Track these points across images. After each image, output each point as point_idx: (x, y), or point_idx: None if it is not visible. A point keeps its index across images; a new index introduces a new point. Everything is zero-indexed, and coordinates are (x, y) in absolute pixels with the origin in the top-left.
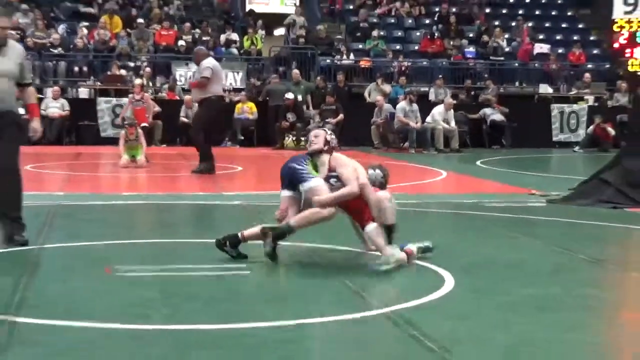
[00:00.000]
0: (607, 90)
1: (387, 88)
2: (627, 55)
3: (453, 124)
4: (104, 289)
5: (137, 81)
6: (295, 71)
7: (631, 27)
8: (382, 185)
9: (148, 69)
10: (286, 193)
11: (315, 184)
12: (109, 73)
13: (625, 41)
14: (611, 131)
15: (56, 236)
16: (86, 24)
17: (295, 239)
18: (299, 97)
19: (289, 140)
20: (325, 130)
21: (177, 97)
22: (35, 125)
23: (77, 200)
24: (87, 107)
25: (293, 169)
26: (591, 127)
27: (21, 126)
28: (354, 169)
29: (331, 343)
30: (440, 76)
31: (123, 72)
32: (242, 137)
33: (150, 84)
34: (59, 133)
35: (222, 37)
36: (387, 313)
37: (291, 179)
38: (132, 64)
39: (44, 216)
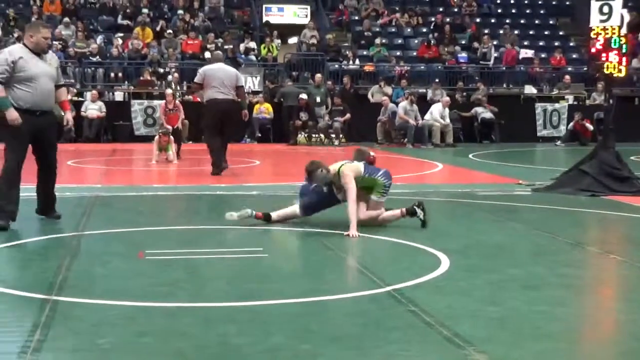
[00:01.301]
0: (586, 91)
1: (388, 90)
2: (603, 59)
3: (448, 120)
4: (137, 270)
5: (168, 91)
6: (318, 75)
7: (606, 34)
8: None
9: (176, 75)
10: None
11: None
12: (141, 78)
13: (601, 47)
14: (589, 127)
15: (95, 224)
16: (121, 34)
17: (305, 225)
18: (318, 99)
19: (301, 137)
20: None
21: (200, 100)
22: (69, 116)
23: (114, 191)
24: (122, 108)
25: None
26: (571, 124)
27: (58, 124)
28: None
29: (340, 318)
30: (437, 79)
31: (154, 77)
32: (260, 135)
33: (178, 88)
34: (97, 132)
35: (242, 46)
36: (390, 291)
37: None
38: (161, 70)
39: (84, 206)
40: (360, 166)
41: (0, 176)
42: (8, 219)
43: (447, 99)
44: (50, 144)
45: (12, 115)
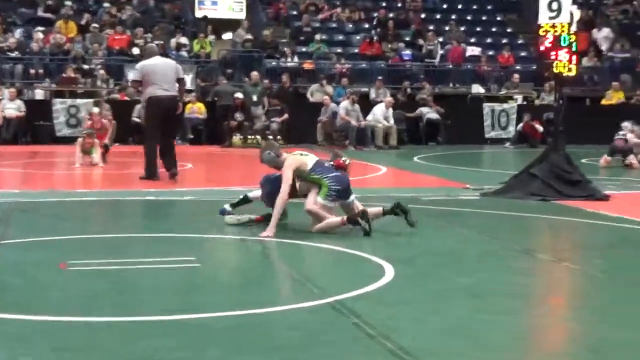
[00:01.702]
0: (535, 90)
1: (329, 89)
2: (552, 57)
3: (392, 121)
4: (57, 282)
5: (95, 110)
6: (254, 73)
7: (555, 31)
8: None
9: (102, 72)
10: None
11: None
12: (64, 75)
13: (550, 44)
14: (539, 128)
15: (13, 232)
16: (42, 28)
17: (246, 233)
18: (255, 98)
19: (236, 138)
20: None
21: (128, 98)
22: None
23: (34, 197)
24: (43, 108)
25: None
26: (520, 125)
27: None
28: None
29: (278, 331)
30: (380, 77)
31: (78, 75)
32: (192, 136)
33: (105, 85)
34: (15, 133)
35: (173, 41)
36: (331, 302)
37: (349, 192)
38: (86, 67)
39: (1, 213)
40: (308, 161)
41: None
42: None
43: (390, 99)
44: None
45: None
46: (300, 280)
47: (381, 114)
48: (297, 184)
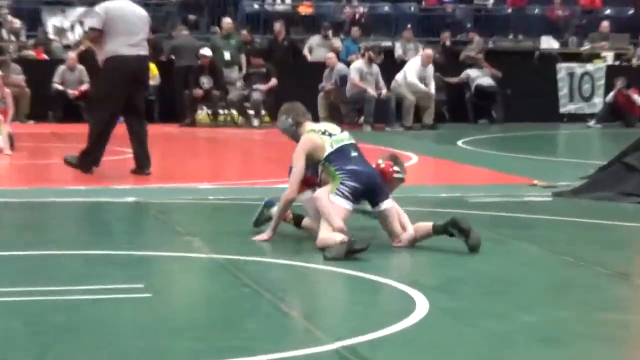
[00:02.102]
0: (632, 44)
1: (336, 43)
2: None
3: (432, 87)
4: None
5: None
6: (227, 20)
7: None
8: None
9: (10, 18)
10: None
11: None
12: None
13: None
14: (638, 100)
15: None
16: None
17: (214, 248)
18: (228, 57)
19: (202, 113)
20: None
21: (46, 57)
22: None
23: None
24: None
25: (382, 188)
26: (611, 95)
27: None
28: None
29: None
30: (409, 25)
31: None
32: None
33: (13, 38)
34: None
35: None
36: (338, 349)
37: (379, 194)
38: None
39: None
40: (327, 144)
41: None
42: None
43: (430, 52)
44: None
45: None
46: (295, 318)
47: (416, 74)
48: (321, 174)
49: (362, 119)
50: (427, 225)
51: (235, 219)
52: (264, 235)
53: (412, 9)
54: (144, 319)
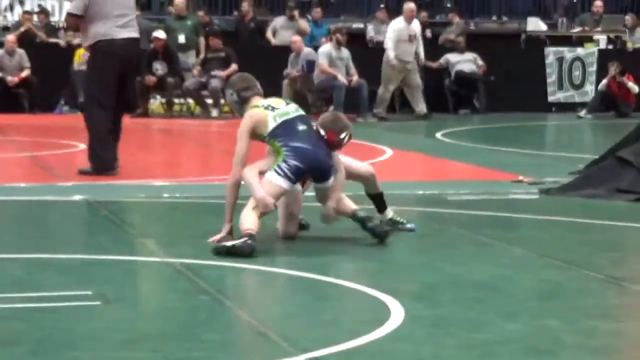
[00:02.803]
0: (626, 28)
1: (303, 24)
2: None
3: (422, 50)
4: None
5: None
6: None
7: None
8: None
9: None
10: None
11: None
12: None
13: None
14: (633, 87)
15: None
16: None
17: (170, 251)
18: (183, 39)
19: (156, 103)
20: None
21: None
22: None
23: None
24: None
25: (329, 168)
26: (604, 82)
27: None
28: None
29: None
30: (382, 5)
31: None
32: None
33: None
34: None
35: None
36: None
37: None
38: None
39: None
40: (270, 118)
41: None
42: None
43: (412, 4)
44: None
45: None
46: (258, 328)
47: (395, 35)
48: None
49: (331, 108)
50: (350, 207)
51: (193, 219)
52: (220, 234)
53: None
54: (93, 329)
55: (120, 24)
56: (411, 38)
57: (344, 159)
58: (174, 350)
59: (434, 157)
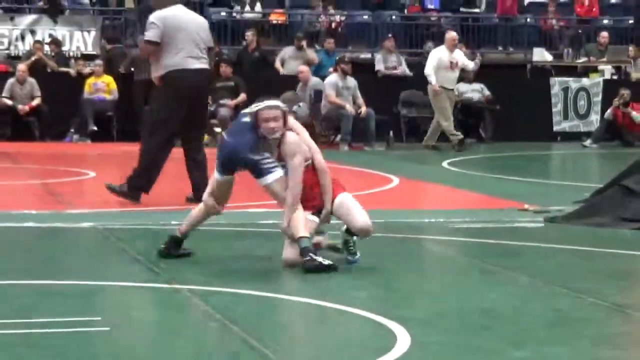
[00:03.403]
0: (632, 58)
1: (311, 54)
2: None
3: (470, 63)
4: None
5: None
6: None
7: None
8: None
9: None
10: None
11: (279, 176)
12: None
13: None
14: (637, 117)
15: None
16: None
17: (178, 277)
18: None
19: None
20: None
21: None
22: None
23: None
24: None
25: (250, 160)
26: (609, 111)
27: None
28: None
29: None
30: (390, 35)
31: None
32: (96, 128)
33: None
34: None
35: None
36: None
37: (235, 165)
38: None
39: None
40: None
41: None
42: None
43: (454, 33)
44: None
45: None
46: (263, 353)
47: (436, 63)
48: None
49: (338, 137)
50: (297, 230)
51: (201, 245)
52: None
53: (394, 17)
54: (101, 355)
55: (193, 54)
56: (452, 66)
57: (349, 202)
58: None
59: (440, 185)
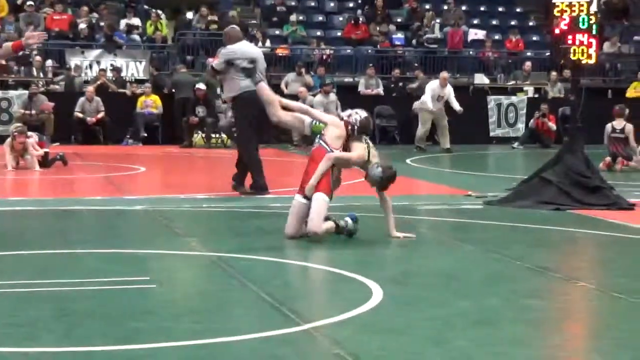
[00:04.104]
0: (548, 81)
1: (308, 78)
2: (569, 42)
3: (456, 104)
4: None
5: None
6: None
7: (573, 11)
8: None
9: (38, 58)
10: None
11: None
12: None
13: (566, 27)
14: (552, 126)
15: None
16: None
17: (208, 247)
18: (219, 90)
19: (198, 137)
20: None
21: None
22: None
23: None
24: None
25: None
26: (531, 121)
27: None
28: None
29: None
30: (371, 64)
31: (10, 62)
32: (145, 134)
33: (42, 74)
34: None
35: (123, 22)
36: (308, 330)
37: None
38: (19, 53)
39: None
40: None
41: None
42: None
43: (446, 73)
44: None
45: None
46: (272, 304)
47: (432, 93)
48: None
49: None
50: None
51: (226, 223)
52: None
53: (369, 51)
54: (150, 305)
55: (254, 78)
56: (439, 99)
57: (315, 206)
58: (211, 322)
59: (406, 177)
